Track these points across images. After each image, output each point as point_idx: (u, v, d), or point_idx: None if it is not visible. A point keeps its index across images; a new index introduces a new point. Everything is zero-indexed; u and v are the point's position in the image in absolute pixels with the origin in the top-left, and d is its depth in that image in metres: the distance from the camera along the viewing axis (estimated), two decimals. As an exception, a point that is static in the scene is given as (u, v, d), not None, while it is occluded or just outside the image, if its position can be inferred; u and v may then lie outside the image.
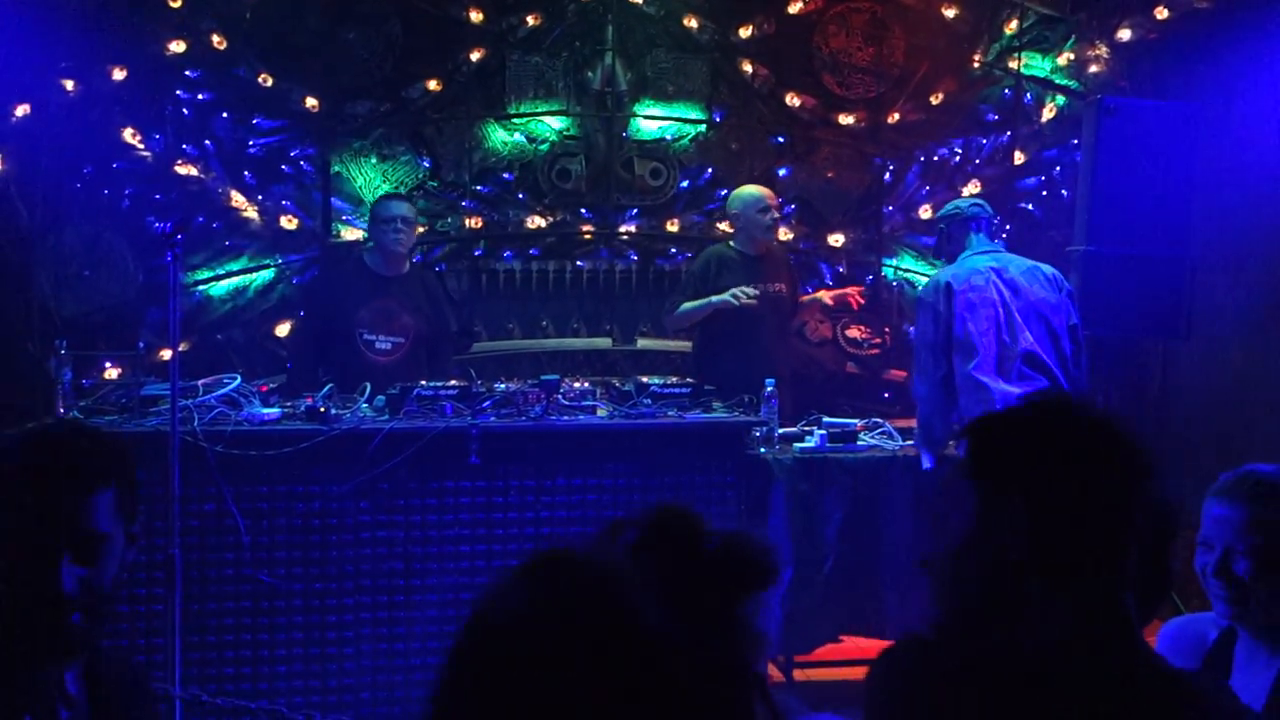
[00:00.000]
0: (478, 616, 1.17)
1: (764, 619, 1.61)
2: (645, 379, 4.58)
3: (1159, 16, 5.68)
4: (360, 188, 6.20)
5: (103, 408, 4.23)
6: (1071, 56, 6.03)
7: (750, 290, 5.03)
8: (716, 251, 5.43)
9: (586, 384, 4.59)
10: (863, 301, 5.57)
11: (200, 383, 4.20)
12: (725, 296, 5.04)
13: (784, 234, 6.53)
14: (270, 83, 5.92)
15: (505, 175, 6.36)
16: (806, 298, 5.70)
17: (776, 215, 5.32)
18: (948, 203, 4.78)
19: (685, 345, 5.88)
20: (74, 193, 5.61)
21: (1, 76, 5.19)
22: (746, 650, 1.59)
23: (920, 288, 4.65)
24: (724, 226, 6.22)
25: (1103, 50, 5.90)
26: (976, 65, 6.44)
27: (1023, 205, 6.52)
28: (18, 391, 5.05)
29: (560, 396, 4.38)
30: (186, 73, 5.86)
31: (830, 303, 5.51)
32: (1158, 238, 4.79)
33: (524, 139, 6.37)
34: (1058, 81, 6.31)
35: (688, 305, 5.21)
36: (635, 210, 6.47)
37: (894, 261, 6.68)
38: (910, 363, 4.79)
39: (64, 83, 5.40)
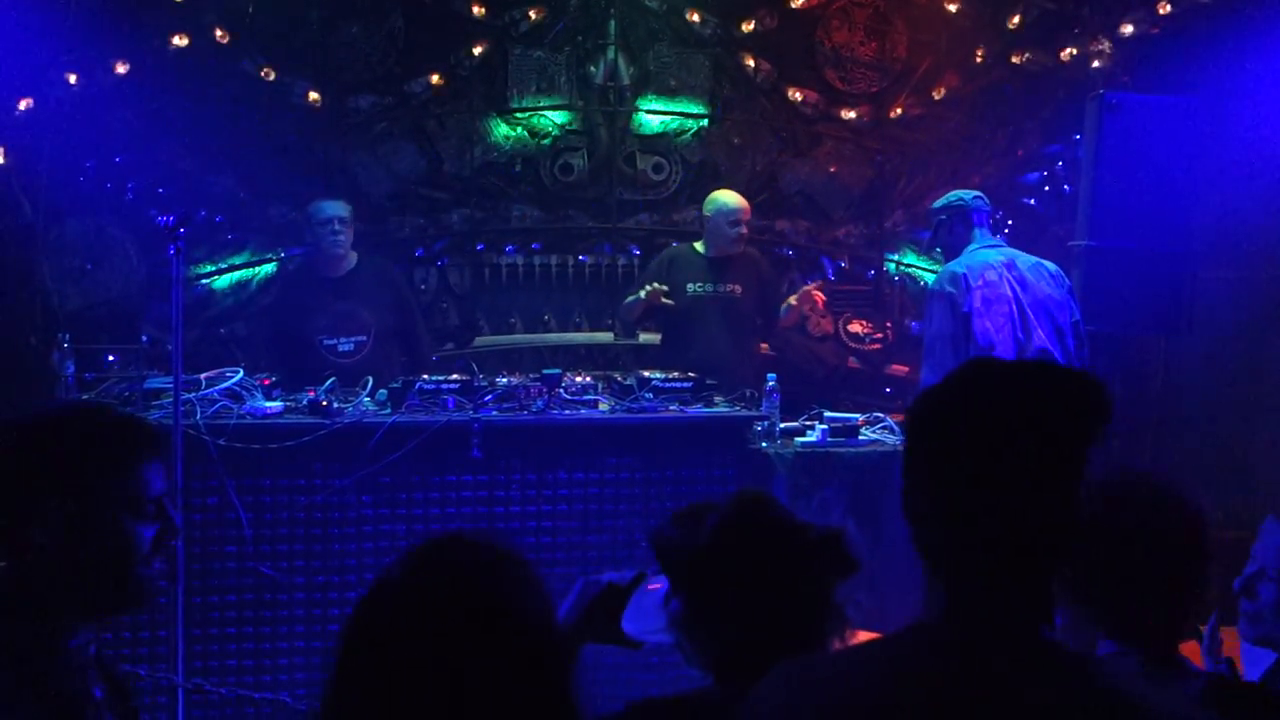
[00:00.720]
0: (369, 591, 1.27)
1: (850, 606, 1.65)
2: (647, 373, 4.59)
3: (1162, 11, 5.67)
4: (364, 182, 6.20)
5: (104, 400, 4.24)
6: (1074, 51, 6.02)
7: (661, 287, 5.06)
8: (674, 251, 5.49)
9: (588, 378, 4.60)
10: (824, 297, 5.37)
11: (203, 376, 4.21)
12: (640, 294, 5.09)
13: (787, 228, 6.54)
14: (273, 77, 5.93)
15: (507, 169, 6.36)
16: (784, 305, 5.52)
17: (745, 230, 5.28)
18: (947, 194, 4.75)
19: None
20: (76, 187, 5.61)
21: (4, 70, 5.19)
22: (830, 631, 1.63)
23: (933, 279, 4.54)
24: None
25: (1105, 45, 5.89)
26: (979, 60, 6.43)
27: (1025, 200, 6.51)
28: (20, 385, 5.06)
29: (562, 391, 4.39)
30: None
31: (795, 303, 5.28)
32: (1160, 233, 4.78)
33: (526, 133, 6.37)
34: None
35: (628, 299, 5.27)
36: (638, 204, 6.47)
37: (896, 256, 6.69)
38: (918, 357, 4.72)
39: (67, 76, 5.40)
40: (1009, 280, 4.29)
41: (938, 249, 4.71)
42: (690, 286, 5.26)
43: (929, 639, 1.30)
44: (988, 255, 4.38)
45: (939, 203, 4.67)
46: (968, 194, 4.62)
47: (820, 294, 5.30)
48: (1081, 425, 1.27)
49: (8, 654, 1.60)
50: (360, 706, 1.22)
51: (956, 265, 4.39)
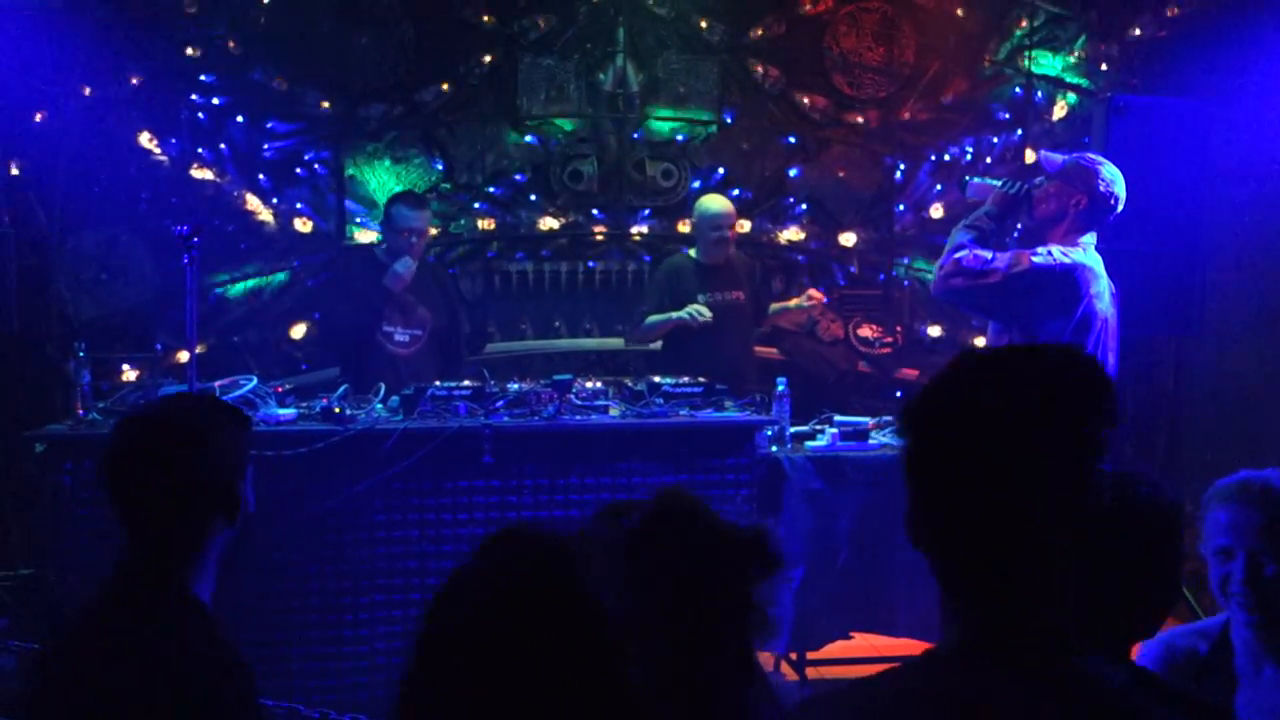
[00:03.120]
0: (441, 594, 1.28)
1: (773, 607, 1.65)
2: (657, 378, 4.60)
3: (1169, 14, 5.68)
4: (374, 190, 6.25)
5: (121, 409, 4.27)
6: (1082, 55, 6.03)
7: (705, 311, 5.04)
8: (674, 262, 5.42)
9: (599, 383, 4.61)
10: (822, 296, 5.33)
11: (217, 384, 4.24)
12: (683, 314, 5.06)
13: (796, 234, 6.56)
14: (285, 87, 5.97)
15: (518, 177, 6.40)
16: (775, 305, 5.51)
17: (729, 234, 5.22)
18: (1089, 158, 3.97)
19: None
20: (91, 197, 5.66)
21: (20, 82, 5.24)
22: (749, 634, 1.63)
23: (1062, 253, 3.81)
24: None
25: (1113, 48, 5.90)
26: (987, 64, 6.45)
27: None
28: (37, 394, 5.11)
29: (573, 396, 4.41)
30: (202, 77, 5.92)
31: (800, 304, 5.32)
32: (1169, 234, 4.78)
33: (536, 141, 6.41)
34: (1068, 80, 6.31)
35: (653, 318, 5.19)
36: (647, 211, 6.50)
37: (905, 261, 6.70)
38: (928, 361, 4.44)
39: (81, 88, 5.46)
40: (1107, 296, 3.93)
41: (1030, 217, 4.03)
42: (700, 297, 5.25)
43: (946, 669, 1.22)
44: (1100, 264, 3.90)
45: (1097, 170, 3.89)
46: (1120, 179, 3.88)
47: (818, 294, 5.29)
48: (1089, 409, 1.21)
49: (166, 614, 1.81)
50: (438, 700, 1.24)
51: (1086, 258, 3.85)
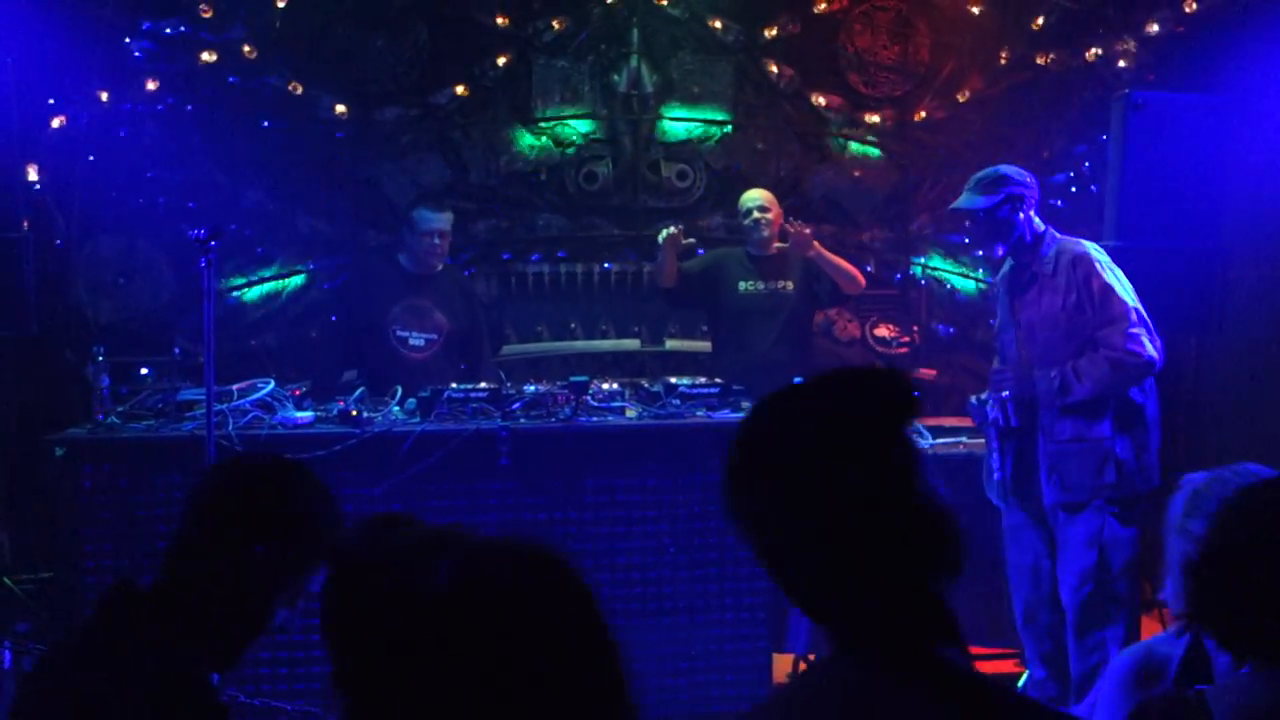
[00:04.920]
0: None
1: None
2: (674, 379, 4.60)
3: (1187, 9, 5.63)
4: (390, 193, 6.25)
5: (139, 413, 4.30)
6: (1099, 51, 5.99)
7: (673, 229, 5.19)
8: (724, 250, 5.63)
9: (615, 385, 4.61)
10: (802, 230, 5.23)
11: (235, 387, 4.26)
12: (661, 236, 5.22)
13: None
14: (300, 91, 5.99)
15: (532, 179, 6.40)
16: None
17: (760, 219, 5.29)
18: (996, 169, 4.15)
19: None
20: (109, 202, 5.69)
21: (37, 89, 5.27)
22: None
23: (1097, 254, 4.04)
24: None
25: (1130, 44, 5.86)
26: (1003, 61, 6.41)
27: (1051, 201, 6.47)
28: (56, 398, 5.14)
29: (589, 398, 4.41)
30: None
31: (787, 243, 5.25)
32: (1187, 232, 4.74)
33: (551, 142, 6.40)
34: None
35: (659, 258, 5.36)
36: (662, 212, 6.48)
37: (922, 260, 6.67)
38: (946, 360, 4.48)
39: (98, 94, 5.49)
40: None
41: (994, 246, 4.17)
42: (742, 285, 5.32)
43: (820, 682, 1.29)
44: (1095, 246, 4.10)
45: (1010, 172, 4.10)
46: (1025, 173, 4.16)
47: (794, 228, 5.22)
48: (882, 415, 1.28)
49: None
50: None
51: (1089, 244, 4.06)
